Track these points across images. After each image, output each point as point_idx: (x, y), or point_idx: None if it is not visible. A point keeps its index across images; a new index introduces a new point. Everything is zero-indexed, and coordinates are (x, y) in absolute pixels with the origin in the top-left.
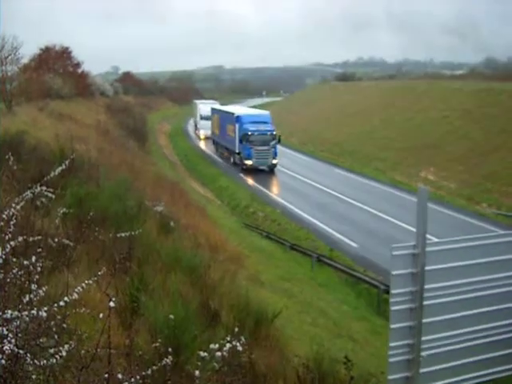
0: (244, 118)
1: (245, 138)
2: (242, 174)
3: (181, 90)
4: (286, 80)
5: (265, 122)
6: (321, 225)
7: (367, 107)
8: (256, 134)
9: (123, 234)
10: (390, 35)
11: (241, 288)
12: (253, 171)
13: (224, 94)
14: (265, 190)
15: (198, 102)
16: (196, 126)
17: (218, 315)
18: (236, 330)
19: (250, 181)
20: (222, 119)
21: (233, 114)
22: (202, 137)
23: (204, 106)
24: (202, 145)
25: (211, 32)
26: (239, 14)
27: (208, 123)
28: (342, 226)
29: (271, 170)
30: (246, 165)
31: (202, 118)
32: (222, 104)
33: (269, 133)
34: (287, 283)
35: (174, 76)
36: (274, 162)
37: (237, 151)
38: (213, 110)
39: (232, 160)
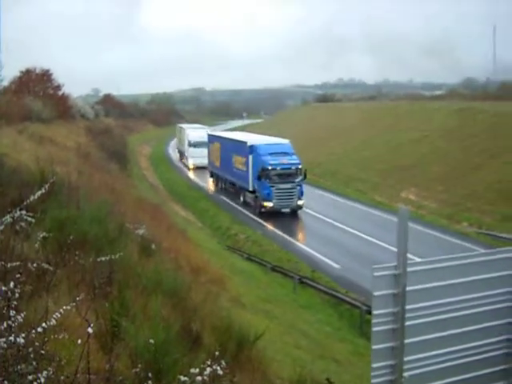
0: (261, 149)
1: (264, 173)
2: (223, 197)
3: (161, 112)
4: (266, 102)
5: (287, 154)
6: (303, 246)
7: (348, 128)
8: (278, 168)
9: (103, 258)
10: (369, 57)
11: (223, 310)
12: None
13: (204, 115)
14: (246, 212)
15: (184, 126)
16: (182, 153)
17: (199, 338)
18: (218, 353)
19: (231, 203)
20: (227, 148)
21: (245, 142)
22: (191, 166)
23: (193, 132)
24: (191, 174)
25: (191, 55)
26: (218, 37)
27: (199, 151)
28: (324, 247)
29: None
30: (264, 207)
31: (190, 144)
32: (209, 127)
33: (294, 167)
34: (269, 305)
35: (155, 98)
36: (300, 203)
37: (250, 189)
38: (211, 136)
39: (242, 199)
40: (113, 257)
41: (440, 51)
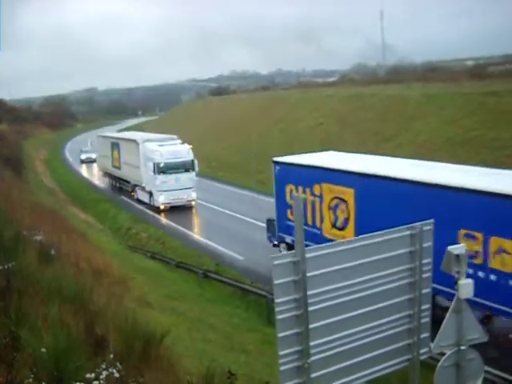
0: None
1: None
2: (123, 196)
3: (56, 114)
4: (162, 98)
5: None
6: (205, 240)
7: (243, 120)
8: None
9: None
10: (256, 48)
11: (128, 311)
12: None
13: (99, 116)
14: (147, 210)
15: (129, 136)
16: (134, 185)
17: (105, 341)
18: (124, 354)
19: (131, 201)
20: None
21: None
22: (161, 207)
23: (160, 148)
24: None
25: (81, 55)
26: (108, 37)
27: (172, 179)
28: (226, 240)
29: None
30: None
31: (159, 169)
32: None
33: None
34: (175, 302)
35: (48, 101)
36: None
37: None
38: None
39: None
40: (10, 266)
41: (324, 38)
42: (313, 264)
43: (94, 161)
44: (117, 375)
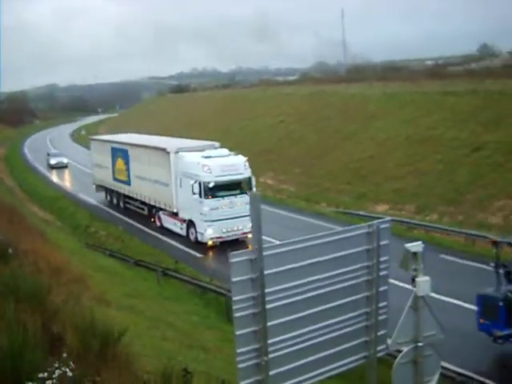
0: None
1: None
2: (81, 195)
3: (15, 111)
4: (122, 95)
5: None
6: (164, 238)
7: (203, 117)
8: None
9: None
10: (207, 47)
11: (85, 309)
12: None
13: (59, 112)
14: (106, 208)
15: (171, 146)
16: (157, 209)
17: (61, 339)
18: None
19: (90, 199)
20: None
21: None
22: (209, 242)
23: (206, 161)
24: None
25: (41, 51)
26: (67, 34)
27: (224, 204)
28: (183, 238)
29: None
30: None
31: (205, 192)
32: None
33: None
34: (134, 300)
35: (7, 97)
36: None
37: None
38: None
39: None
40: None
41: (281, 35)
42: (270, 262)
43: (65, 166)
44: (70, 374)
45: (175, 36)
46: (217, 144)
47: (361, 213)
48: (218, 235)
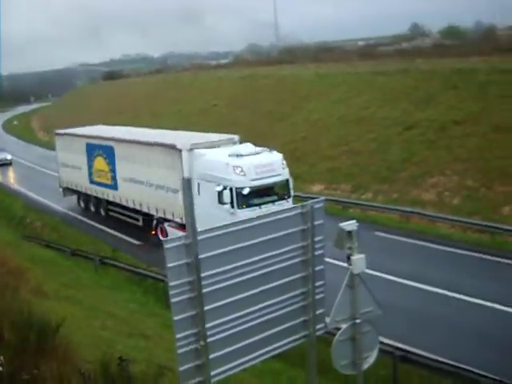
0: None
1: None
2: (17, 186)
3: None
4: (54, 84)
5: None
6: (101, 226)
7: (136, 103)
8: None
9: None
10: (136, 32)
11: (22, 302)
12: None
13: None
14: (40, 198)
15: (183, 142)
16: (160, 220)
17: None
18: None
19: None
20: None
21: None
22: None
23: (238, 161)
24: None
25: None
26: None
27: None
28: (120, 224)
29: None
30: None
31: (242, 198)
32: None
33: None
34: (72, 290)
35: None
36: None
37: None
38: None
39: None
40: None
41: (210, 18)
42: (205, 246)
43: (9, 163)
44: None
45: (104, 23)
46: (236, 137)
47: (297, 193)
48: None
